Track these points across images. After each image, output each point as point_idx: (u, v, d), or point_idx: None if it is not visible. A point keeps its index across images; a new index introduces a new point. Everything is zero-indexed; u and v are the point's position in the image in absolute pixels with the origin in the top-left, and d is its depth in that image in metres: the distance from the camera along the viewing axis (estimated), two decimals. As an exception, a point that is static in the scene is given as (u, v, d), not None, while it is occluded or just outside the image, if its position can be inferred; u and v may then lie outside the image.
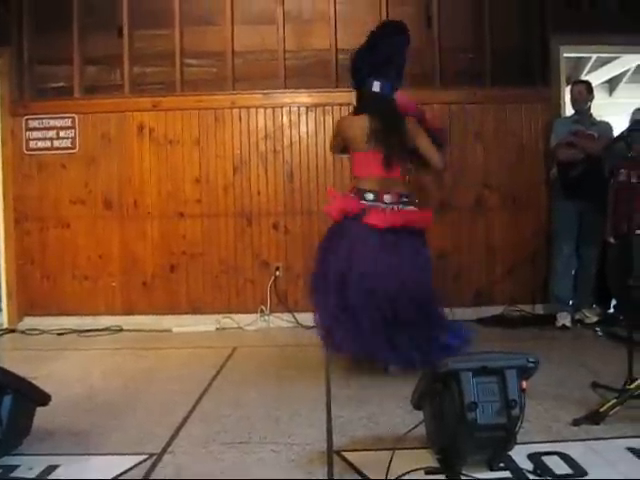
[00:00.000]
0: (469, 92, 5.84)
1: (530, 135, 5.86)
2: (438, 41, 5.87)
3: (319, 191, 5.74)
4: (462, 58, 5.95)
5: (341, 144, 4.33)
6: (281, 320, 5.73)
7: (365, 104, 4.20)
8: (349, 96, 5.69)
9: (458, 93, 5.84)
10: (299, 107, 5.80)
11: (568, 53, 6.07)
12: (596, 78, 8.98)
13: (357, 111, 4.27)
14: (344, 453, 2.67)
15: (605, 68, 9.25)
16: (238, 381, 3.96)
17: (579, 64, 8.84)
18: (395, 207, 4.04)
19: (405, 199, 4.10)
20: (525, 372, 2.39)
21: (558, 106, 5.88)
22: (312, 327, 5.49)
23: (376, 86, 4.16)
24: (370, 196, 4.04)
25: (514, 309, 5.74)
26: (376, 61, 4.19)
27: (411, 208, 4.11)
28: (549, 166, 5.71)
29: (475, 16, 5.95)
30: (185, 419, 3.22)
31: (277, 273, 5.78)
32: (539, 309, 5.79)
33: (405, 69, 4.38)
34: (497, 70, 5.87)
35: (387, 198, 4.04)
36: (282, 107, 5.83)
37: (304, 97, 5.80)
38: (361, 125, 4.11)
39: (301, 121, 5.83)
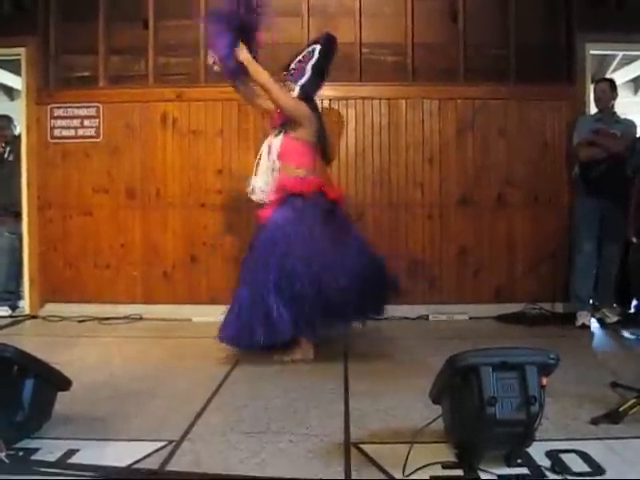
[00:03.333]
0: (493, 88, 5.81)
1: (554, 133, 5.82)
2: (463, 36, 5.84)
3: (340, 184, 5.74)
4: (487, 54, 5.91)
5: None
6: (300, 312, 5.73)
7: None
8: (372, 90, 5.74)
9: (482, 89, 5.81)
10: (322, 100, 5.77)
11: (594, 50, 6.00)
12: (621, 76, 8.89)
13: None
14: (361, 445, 2.68)
15: (631, 66, 9.15)
16: (256, 372, 3.97)
17: (604, 62, 8.75)
18: None
19: None
20: (545, 368, 2.38)
21: (583, 104, 5.83)
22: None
23: None
24: None
25: (534, 307, 5.71)
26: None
27: None
28: (572, 164, 5.67)
29: (501, 12, 5.91)
30: (204, 408, 3.24)
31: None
32: (559, 307, 5.75)
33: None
34: (522, 66, 5.83)
35: None
36: (305, 100, 5.83)
37: (328, 90, 5.75)
38: None
39: (324, 114, 5.80)
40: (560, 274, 5.77)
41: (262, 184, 4.31)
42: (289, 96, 4.35)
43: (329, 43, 4.47)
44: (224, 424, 2.99)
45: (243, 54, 4.21)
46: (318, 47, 4.42)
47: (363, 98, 5.77)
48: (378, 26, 5.91)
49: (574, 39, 5.80)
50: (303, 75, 4.37)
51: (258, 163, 4.39)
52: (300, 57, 4.46)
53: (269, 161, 4.32)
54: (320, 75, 4.46)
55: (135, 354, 4.49)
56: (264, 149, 4.40)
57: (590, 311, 5.41)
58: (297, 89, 4.36)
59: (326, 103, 5.79)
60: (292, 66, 4.46)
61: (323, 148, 4.53)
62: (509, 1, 5.85)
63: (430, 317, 5.68)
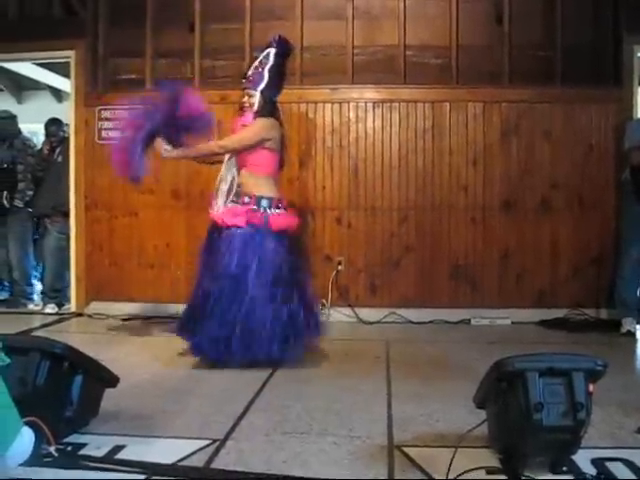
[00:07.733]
0: (539, 91, 5.76)
1: (600, 136, 5.74)
2: (508, 38, 5.79)
3: (383, 186, 5.76)
4: (532, 56, 5.85)
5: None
6: (341, 314, 5.75)
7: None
8: (416, 93, 5.73)
9: (527, 92, 5.76)
10: (366, 103, 5.80)
11: (641, 53, 5.92)
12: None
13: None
14: (405, 448, 2.67)
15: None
16: (298, 373, 3.98)
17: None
18: None
19: None
20: (593, 375, 2.34)
21: (630, 107, 5.74)
22: (372, 322, 5.58)
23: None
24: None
25: (577, 312, 5.64)
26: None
27: None
28: (620, 168, 5.58)
29: (546, 13, 5.85)
30: (247, 408, 3.27)
31: (339, 267, 5.81)
32: (603, 314, 5.67)
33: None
34: (568, 69, 5.76)
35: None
36: (349, 102, 5.85)
37: (371, 93, 5.81)
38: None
39: (367, 117, 5.83)
40: (604, 279, 5.68)
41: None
42: (246, 133, 4.31)
43: (282, 44, 4.41)
44: (267, 424, 3.01)
45: (171, 155, 4.24)
46: (273, 50, 4.34)
47: (407, 101, 5.76)
48: (422, 28, 5.90)
49: (621, 41, 5.71)
50: (262, 80, 4.31)
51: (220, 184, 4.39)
52: (256, 63, 4.37)
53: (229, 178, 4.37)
54: (278, 78, 4.41)
55: (179, 353, 4.53)
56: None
57: (636, 318, 5.31)
58: (257, 95, 4.31)
59: (370, 106, 5.80)
60: (249, 73, 4.39)
61: (281, 155, 4.48)
62: (555, 2, 5.78)
63: (472, 321, 5.64)
